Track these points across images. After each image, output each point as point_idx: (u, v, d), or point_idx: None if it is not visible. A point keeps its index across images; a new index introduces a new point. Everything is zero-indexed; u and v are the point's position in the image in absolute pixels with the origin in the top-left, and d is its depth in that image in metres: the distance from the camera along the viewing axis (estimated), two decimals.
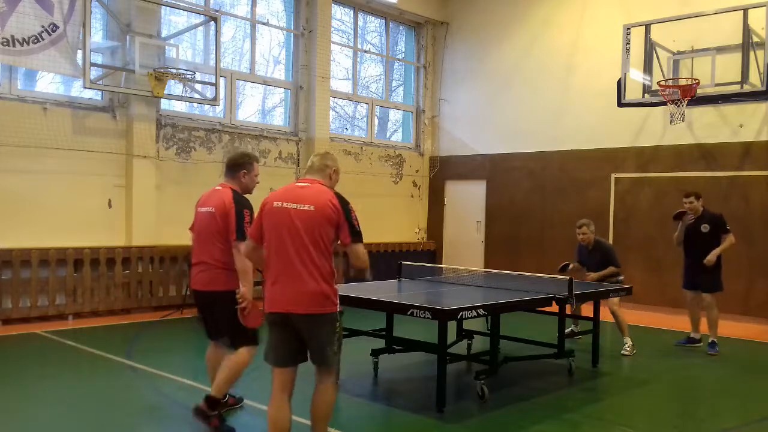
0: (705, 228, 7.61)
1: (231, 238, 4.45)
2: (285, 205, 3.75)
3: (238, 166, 4.72)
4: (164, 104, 10.19)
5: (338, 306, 3.79)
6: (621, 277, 7.81)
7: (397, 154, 13.75)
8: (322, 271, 3.71)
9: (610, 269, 7.71)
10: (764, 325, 9.59)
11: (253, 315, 4.50)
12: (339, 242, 3.81)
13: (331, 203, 3.73)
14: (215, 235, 4.52)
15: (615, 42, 10.53)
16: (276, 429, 3.76)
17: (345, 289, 6.66)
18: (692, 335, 8.07)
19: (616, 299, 7.51)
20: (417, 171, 14.11)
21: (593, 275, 7.71)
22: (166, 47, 9.89)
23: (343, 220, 3.74)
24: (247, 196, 4.74)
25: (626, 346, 7.62)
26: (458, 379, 6.32)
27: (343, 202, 3.79)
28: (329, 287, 3.73)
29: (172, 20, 10.45)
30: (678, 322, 9.56)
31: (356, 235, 3.76)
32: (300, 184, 3.90)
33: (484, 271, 7.43)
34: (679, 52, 10.22)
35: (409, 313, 5.15)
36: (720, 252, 7.55)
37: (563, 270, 7.78)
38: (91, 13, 8.82)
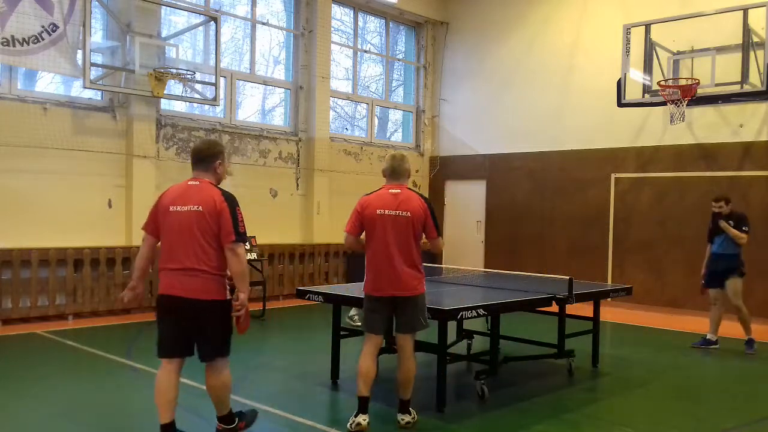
0: (730, 223, 7.79)
1: (228, 239, 3.99)
2: (387, 212, 4.71)
3: (213, 157, 4.23)
4: (164, 104, 10.19)
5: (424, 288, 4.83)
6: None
7: None
8: (416, 262, 4.75)
9: None
10: (764, 325, 9.58)
11: (246, 321, 4.12)
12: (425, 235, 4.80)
13: (422, 208, 4.74)
14: (206, 237, 4.01)
15: (615, 42, 10.53)
16: (367, 379, 4.73)
17: (345, 289, 6.67)
18: (709, 336, 7.96)
19: (737, 288, 7.72)
20: (417, 171, 14.11)
21: None
22: (166, 47, 9.89)
23: (429, 219, 4.76)
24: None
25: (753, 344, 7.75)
26: (458, 379, 6.32)
27: (429, 204, 4.81)
28: (421, 274, 4.80)
29: (172, 20, 10.45)
30: (678, 322, 9.57)
31: (437, 229, 4.83)
32: (392, 191, 4.79)
33: (484, 271, 7.40)
34: (679, 52, 10.21)
35: None
36: (731, 232, 7.68)
37: None
38: (91, 13, 8.83)
